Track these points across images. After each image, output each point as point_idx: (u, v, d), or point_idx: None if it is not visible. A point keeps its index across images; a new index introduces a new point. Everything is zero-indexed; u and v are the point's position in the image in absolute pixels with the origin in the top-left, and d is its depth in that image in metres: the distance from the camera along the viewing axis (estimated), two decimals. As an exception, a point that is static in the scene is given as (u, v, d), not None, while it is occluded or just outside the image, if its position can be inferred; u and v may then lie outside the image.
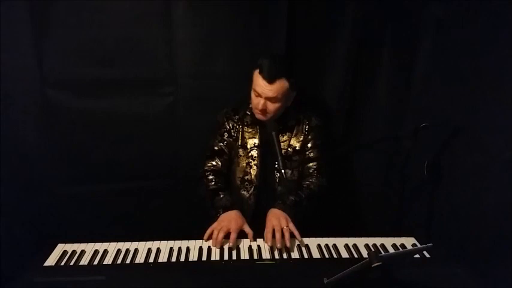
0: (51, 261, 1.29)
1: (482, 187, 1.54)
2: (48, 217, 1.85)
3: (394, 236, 1.50)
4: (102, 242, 1.39)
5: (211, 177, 1.63)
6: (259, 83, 1.49)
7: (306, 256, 1.36)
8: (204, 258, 1.33)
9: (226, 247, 1.38)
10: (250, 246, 1.40)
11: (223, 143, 1.67)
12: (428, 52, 1.88)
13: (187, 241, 1.41)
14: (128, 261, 1.30)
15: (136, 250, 1.35)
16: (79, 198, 1.88)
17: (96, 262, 1.29)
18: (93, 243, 1.38)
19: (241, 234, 1.44)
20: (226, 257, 1.34)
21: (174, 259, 1.32)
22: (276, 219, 1.43)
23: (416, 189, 1.90)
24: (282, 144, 1.62)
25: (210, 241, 1.40)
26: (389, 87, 1.99)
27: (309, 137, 1.67)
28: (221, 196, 1.55)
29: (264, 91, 1.48)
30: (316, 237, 1.46)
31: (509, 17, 1.44)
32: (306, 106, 1.71)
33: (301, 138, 1.67)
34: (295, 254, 1.37)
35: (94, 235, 1.41)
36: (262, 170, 1.66)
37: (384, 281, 1.15)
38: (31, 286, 1.16)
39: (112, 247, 1.37)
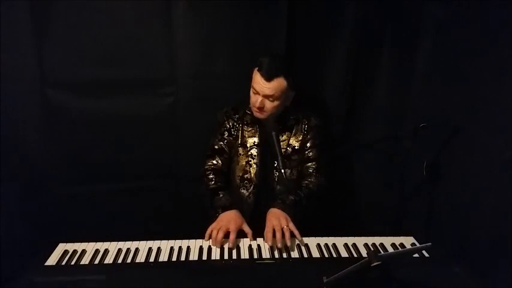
0: (52, 260, 1.29)
1: (482, 187, 1.54)
2: (48, 217, 1.85)
3: (393, 236, 1.50)
4: (103, 241, 1.39)
5: (211, 176, 1.64)
6: (258, 81, 1.50)
7: (305, 255, 1.37)
8: (205, 257, 1.33)
9: (226, 246, 1.38)
10: (250, 245, 1.40)
11: (223, 142, 1.68)
12: (428, 52, 1.88)
13: (187, 240, 1.41)
14: (128, 261, 1.30)
15: (137, 249, 1.35)
16: (79, 198, 1.88)
17: (97, 261, 1.30)
18: (94, 243, 1.38)
19: (241, 234, 1.44)
20: (226, 257, 1.34)
21: (174, 258, 1.32)
22: (276, 218, 1.43)
23: (416, 189, 1.91)
24: (281, 143, 1.62)
25: (210, 241, 1.40)
26: (389, 87, 1.99)
27: (308, 136, 1.68)
28: (220, 196, 1.56)
29: (262, 89, 1.49)
30: (315, 236, 1.46)
31: (509, 17, 1.44)
32: (305, 106, 1.72)
33: (301, 138, 1.67)
34: (295, 254, 1.37)
35: (94, 235, 1.41)
36: (262, 169, 1.66)
37: (383, 280, 1.15)
38: (32, 286, 1.16)
39: (113, 246, 1.37)
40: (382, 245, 1.44)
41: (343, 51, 1.89)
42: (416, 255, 1.33)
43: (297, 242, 1.42)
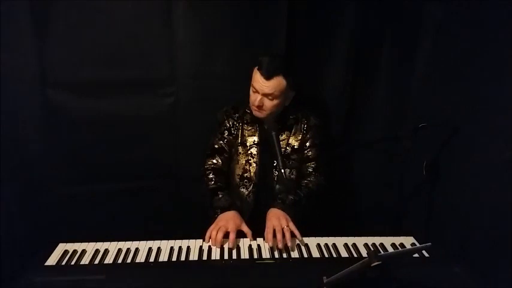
0: (52, 260, 1.29)
1: (482, 187, 1.54)
2: (48, 217, 1.85)
3: (393, 236, 1.50)
4: (103, 241, 1.39)
5: (211, 176, 1.64)
6: (257, 79, 1.50)
7: (305, 255, 1.37)
8: (205, 257, 1.33)
9: (226, 247, 1.38)
10: (250, 245, 1.40)
11: (223, 141, 1.68)
12: (428, 52, 1.88)
13: (187, 240, 1.41)
14: (128, 261, 1.30)
15: (137, 249, 1.35)
16: (79, 198, 1.88)
17: (97, 261, 1.30)
18: (94, 243, 1.38)
19: (241, 234, 1.44)
20: (226, 257, 1.34)
21: (174, 258, 1.32)
22: (276, 219, 1.43)
23: (416, 189, 1.91)
24: (280, 143, 1.62)
25: (210, 241, 1.40)
26: (389, 87, 1.99)
27: (308, 136, 1.68)
28: (220, 196, 1.56)
29: (261, 87, 1.50)
30: (315, 236, 1.46)
31: (509, 17, 1.44)
32: (305, 106, 1.72)
33: (300, 137, 1.67)
34: (294, 254, 1.37)
35: (94, 235, 1.41)
36: (262, 168, 1.67)
37: (383, 280, 1.15)
38: (32, 286, 1.16)
39: (113, 246, 1.37)
40: (382, 245, 1.45)
41: (343, 51, 1.89)
42: (416, 255, 1.33)
43: (297, 242, 1.42)
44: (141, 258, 1.31)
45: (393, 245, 1.45)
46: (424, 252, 1.35)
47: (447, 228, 1.71)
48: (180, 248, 1.37)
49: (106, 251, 1.35)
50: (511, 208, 1.39)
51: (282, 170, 1.46)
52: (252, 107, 1.59)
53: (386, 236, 1.49)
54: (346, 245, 1.42)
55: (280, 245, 1.36)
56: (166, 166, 1.95)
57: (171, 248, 1.36)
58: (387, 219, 1.97)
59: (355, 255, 1.37)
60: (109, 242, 1.39)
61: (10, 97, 1.64)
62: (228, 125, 1.68)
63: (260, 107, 1.54)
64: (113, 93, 1.77)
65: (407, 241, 1.48)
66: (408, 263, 1.30)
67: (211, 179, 1.63)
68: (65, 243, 1.38)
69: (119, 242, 1.39)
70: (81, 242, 1.39)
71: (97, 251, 1.34)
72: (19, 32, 1.59)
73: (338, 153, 2.05)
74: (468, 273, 1.25)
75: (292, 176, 1.68)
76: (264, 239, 1.42)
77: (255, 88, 1.53)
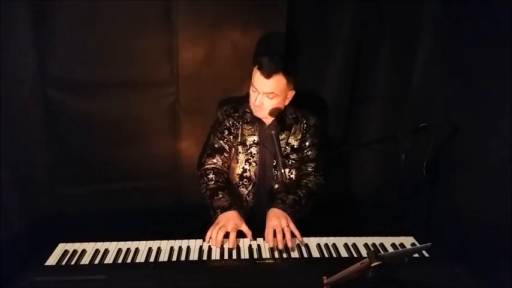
0: (52, 260, 1.29)
1: (482, 187, 1.54)
2: (48, 217, 1.85)
3: (393, 236, 1.50)
4: (103, 241, 1.39)
5: (211, 175, 1.64)
6: (257, 78, 1.50)
7: (305, 255, 1.37)
8: (205, 257, 1.33)
9: (226, 247, 1.38)
10: (250, 245, 1.40)
11: (223, 141, 1.68)
12: (428, 52, 1.88)
13: (187, 240, 1.41)
14: (128, 261, 1.30)
15: (137, 249, 1.36)
16: (79, 198, 1.88)
17: (97, 261, 1.30)
18: (94, 243, 1.38)
19: (241, 234, 1.44)
20: (226, 257, 1.34)
21: (174, 258, 1.32)
22: (277, 219, 1.43)
23: (416, 189, 1.91)
24: (280, 142, 1.62)
25: (211, 241, 1.40)
26: (389, 86, 1.99)
27: (307, 135, 1.68)
28: (220, 196, 1.56)
29: (262, 86, 1.50)
30: (315, 236, 1.46)
31: (509, 16, 1.44)
32: (304, 105, 1.72)
33: (299, 137, 1.68)
34: (295, 254, 1.37)
35: (94, 235, 1.41)
36: (261, 168, 1.67)
37: (383, 280, 1.15)
38: (32, 286, 1.16)
39: (113, 246, 1.37)
40: (382, 245, 1.45)
41: (343, 51, 1.89)
42: (416, 255, 1.33)
43: (297, 242, 1.42)
44: (141, 258, 1.32)
45: (393, 245, 1.45)
46: (424, 252, 1.35)
47: (447, 228, 1.71)
48: (180, 248, 1.37)
49: (106, 251, 1.35)
50: (511, 208, 1.39)
51: (282, 170, 1.47)
52: (252, 107, 1.59)
53: (386, 236, 1.49)
54: (346, 245, 1.42)
55: (280, 246, 1.36)
56: (166, 166, 1.95)
57: (171, 248, 1.36)
58: (387, 219, 1.97)
59: (355, 255, 1.37)
60: (109, 242, 1.39)
61: (10, 97, 1.64)
62: (228, 124, 1.68)
63: (260, 106, 1.54)
64: (113, 93, 1.77)
65: (407, 241, 1.48)
66: (408, 263, 1.29)
67: (211, 179, 1.63)
68: (65, 243, 1.38)
69: (119, 242, 1.39)
70: (81, 242, 1.39)
71: (97, 251, 1.34)
72: (19, 32, 1.58)
73: (338, 153, 2.05)
74: (468, 273, 1.25)
75: (291, 176, 1.68)
76: (264, 239, 1.42)
77: (255, 88, 1.53)
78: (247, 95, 1.61)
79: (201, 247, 1.38)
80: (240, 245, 1.40)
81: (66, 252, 1.34)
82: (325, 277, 1.06)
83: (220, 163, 1.68)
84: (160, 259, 1.31)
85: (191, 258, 1.32)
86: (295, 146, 1.67)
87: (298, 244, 1.42)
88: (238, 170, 1.68)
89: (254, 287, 1.17)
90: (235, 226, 1.42)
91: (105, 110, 1.78)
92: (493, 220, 1.48)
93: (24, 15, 1.57)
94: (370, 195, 2.16)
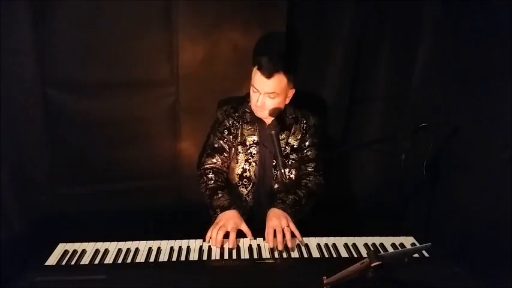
0: (52, 260, 1.29)
1: (482, 187, 1.54)
2: (48, 217, 1.85)
3: (393, 236, 1.50)
4: (103, 241, 1.39)
5: (211, 175, 1.64)
6: (257, 79, 1.50)
7: (305, 255, 1.37)
8: (205, 257, 1.33)
9: (226, 246, 1.38)
10: (250, 245, 1.40)
11: (223, 140, 1.68)
12: (428, 52, 1.88)
13: (187, 240, 1.41)
14: (128, 261, 1.30)
15: (137, 249, 1.36)
16: (79, 198, 1.88)
17: (97, 261, 1.30)
18: (94, 243, 1.38)
19: (241, 234, 1.44)
20: (226, 257, 1.34)
21: (174, 258, 1.32)
22: (277, 219, 1.43)
23: (416, 189, 1.91)
24: (280, 142, 1.62)
25: (211, 240, 1.40)
26: (389, 86, 1.99)
27: (307, 135, 1.68)
28: (219, 196, 1.56)
29: (263, 86, 1.50)
30: (315, 236, 1.46)
31: (509, 16, 1.44)
32: (304, 105, 1.72)
33: (299, 137, 1.68)
34: (295, 253, 1.37)
35: (94, 235, 1.41)
36: (261, 168, 1.67)
37: (383, 280, 1.15)
38: (32, 286, 1.16)
39: (113, 246, 1.37)
40: (382, 245, 1.45)
41: (343, 51, 1.89)
42: (416, 255, 1.33)
43: (297, 242, 1.42)
44: (141, 258, 1.32)
45: (393, 245, 1.45)
46: (424, 252, 1.35)
47: (447, 228, 1.71)
48: (180, 248, 1.37)
49: (106, 251, 1.35)
50: (511, 208, 1.39)
51: (282, 170, 1.47)
52: (253, 107, 1.59)
53: (386, 236, 1.49)
54: (346, 245, 1.42)
55: (280, 246, 1.36)
56: (166, 166, 1.95)
57: (171, 248, 1.37)
58: (387, 219, 1.97)
59: (355, 255, 1.37)
60: (109, 242, 1.39)
61: (10, 97, 1.64)
62: (227, 124, 1.68)
63: (262, 107, 1.54)
64: (113, 93, 1.77)
65: (407, 241, 1.48)
66: (408, 263, 1.29)
67: (210, 179, 1.63)
68: (65, 243, 1.38)
69: (119, 242, 1.39)
70: (81, 242, 1.39)
71: (97, 251, 1.34)
72: (19, 32, 1.58)
73: (338, 153, 2.05)
74: (468, 273, 1.25)
75: (291, 176, 1.68)
76: (264, 239, 1.42)
77: (255, 88, 1.53)
78: (247, 95, 1.61)
79: (201, 247, 1.38)
80: (240, 245, 1.40)
81: (66, 252, 1.34)
82: (325, 277, 1.06)
83: (220, 163, 1.68)
84: (160, 259, 1.31)
85: (191, 258, 1.32)
86: (295, 146, 1.67)
87: (298, 244, 1.42)
88: (238, 170, 1.68)
89: (254, 287, 1.17)
90: (235, 226, 1.42)
91: (105, 110, 1.78)
92: (493, 220, 1.48)
93: (24, 15, 1.57)
94: (370, 195, 2.16)
